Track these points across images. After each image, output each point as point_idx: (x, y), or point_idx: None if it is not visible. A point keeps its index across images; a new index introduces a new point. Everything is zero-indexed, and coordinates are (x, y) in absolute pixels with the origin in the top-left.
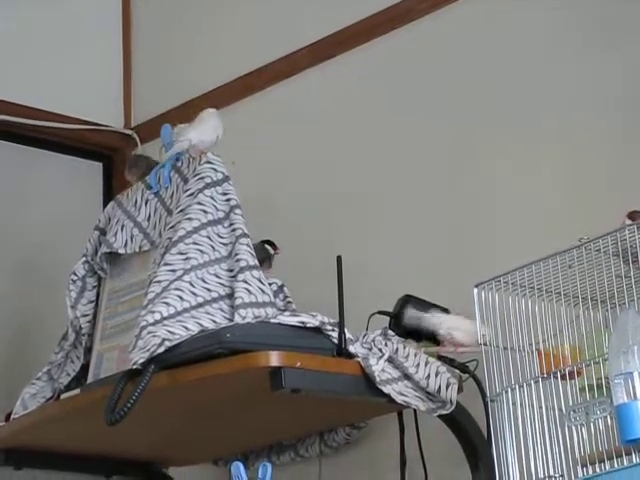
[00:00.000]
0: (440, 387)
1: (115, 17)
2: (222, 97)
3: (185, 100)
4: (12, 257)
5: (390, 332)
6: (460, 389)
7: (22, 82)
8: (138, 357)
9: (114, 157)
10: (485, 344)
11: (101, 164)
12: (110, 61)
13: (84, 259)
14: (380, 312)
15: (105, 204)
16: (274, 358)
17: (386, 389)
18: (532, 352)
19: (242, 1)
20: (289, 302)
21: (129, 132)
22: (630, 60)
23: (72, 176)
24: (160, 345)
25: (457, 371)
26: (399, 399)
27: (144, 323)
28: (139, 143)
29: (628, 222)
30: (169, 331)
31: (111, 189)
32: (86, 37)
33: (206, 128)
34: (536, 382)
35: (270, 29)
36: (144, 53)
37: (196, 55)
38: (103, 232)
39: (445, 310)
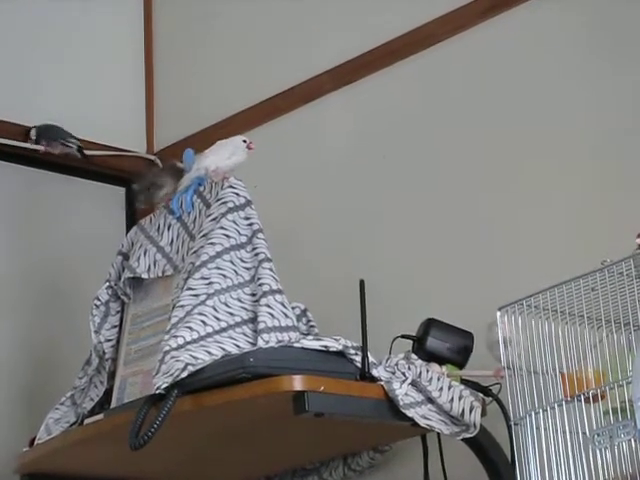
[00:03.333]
0: (464, 411)
1: (137, 42)
2: (244, 121)
3: (208, 125)
4: (34, 282)
5: (413, 356)
6: (484, 413)
7: (43, 107)
8: (161, 382)
9: (135, 179)
10: (510, 367)
11: (124, 189)
12: (132, 86)
13: (107, 284)
14: (403, 336)
15: (128, 229)
16: (297, 382)
17: (409, 413)
18: (555, 375)
19: (265, 25)
20: (312, 326)
21: (152, 157)
22: None
23: (94, 201)
24: (183, 370)
25: (480, 395)
26: (423, 423)
27: (167, 348)
28: (162, 168)
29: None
30: (192, 356)
31: (134, 214)
32: (108, 61)
33: (224, 152)
34: (560, 405)
35: (292, 53)
36: (166, 78)
37: (218, 80)
38: (126, 257)
39: (468, 333)
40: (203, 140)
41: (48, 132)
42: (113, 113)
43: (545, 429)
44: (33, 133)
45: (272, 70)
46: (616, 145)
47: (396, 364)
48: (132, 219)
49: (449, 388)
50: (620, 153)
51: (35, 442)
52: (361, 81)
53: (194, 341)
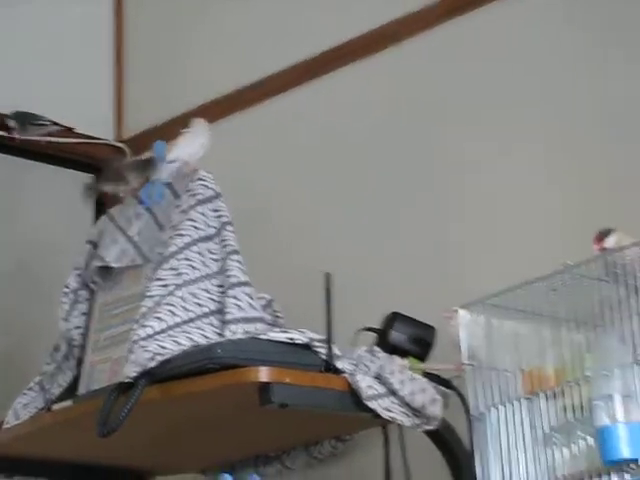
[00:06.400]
0: (425, 403)
1: (107, 27)
2: (215, 111)
3: (179, 113)
4: (3, 268)
5: (376, 348)
6: (445, 405)
7: (10, 92)
8: (130, 371)
9: (104, 168)
10: (470, 364)
11: (92, 176)
12: (103, 72)
13: (76, 272)
14: (367, 329)
15: (96, 216)
16: (263, 374)
17: (372, 405)
18: (515, 372)
19: (237, 15)
20: (278, 317)
21: (120, 145)
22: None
23: (63, 188)
24: (152, 359)
25: (442, 388)
26: (385, 415)
27: (136, 337)
28: (130, 156)
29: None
30: (161, 346)
31: (102, 200)
32: (77, 47)
33: (195, 143)
34: (519, 402)
35: (265, 44)
36: (137, 65)
37: (190, 68)
38: (95, 246)
39: (431, 327)
40: (174, 128)
41: (23, 118)
42: (82, 100)
43: (504, 424)
44: (12, 123)
45: (244, 60)
46: (579, 149)
47: (360, 356)
48: (100, 205)
49: (411, 381)
50: (584, 156)
51: (3, 427)
52: (333, 73)
53: (162, 331)
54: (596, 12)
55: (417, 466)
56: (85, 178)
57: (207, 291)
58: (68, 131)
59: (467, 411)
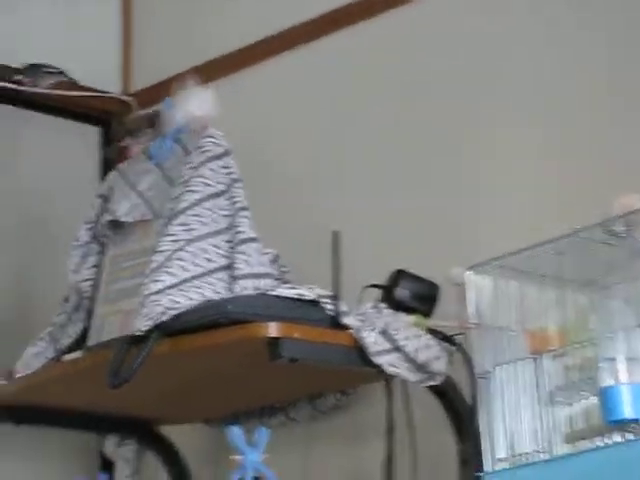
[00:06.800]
0: (430, 359)
1: None
2: (224, 66)
3: (187, 67)
4: (10, 221)
5: (382, 305)
6: (449, 362)
7: (16, 44)
8: (142, 324)
9: (113, 122)
10: (477, 323)
11: (99, 128)
12: (110, 24)
13: (87, 226)
14: (373, 285)
15: (103, 169)
16: (273, 329)
17: (378, 360)
18: (520, 333)
19: None
20: (284, 272)
21: (128, 99)
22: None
23: (69, 140)
24: (164, 313)
25: (447, 344)
26: (390, 370)
27: (148, 292)
28: (137, 110)
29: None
30: (173, 300)
31: (111, 155)
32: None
33: (205, 99)
34: (523, 361)
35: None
36: (145, 18)
37: (200, 22)
38: (106, 200)
39: (435, 285)
40: (182, 83)
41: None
42: (89, 51)
43: (508, 382)
44: (22, 76)
45: (255, 15)
46: (589, 110)
47: (366, 313)
48: (108, 159)
49: (416, 337)
50: (593, 119)
51: (13, 375)
52: (343, 31)
53: (174, 285)
54: None
55: (419, 420)
56: (91, 131)
57: (217, 247)
58: (74, 84)
59: (471, 368)
